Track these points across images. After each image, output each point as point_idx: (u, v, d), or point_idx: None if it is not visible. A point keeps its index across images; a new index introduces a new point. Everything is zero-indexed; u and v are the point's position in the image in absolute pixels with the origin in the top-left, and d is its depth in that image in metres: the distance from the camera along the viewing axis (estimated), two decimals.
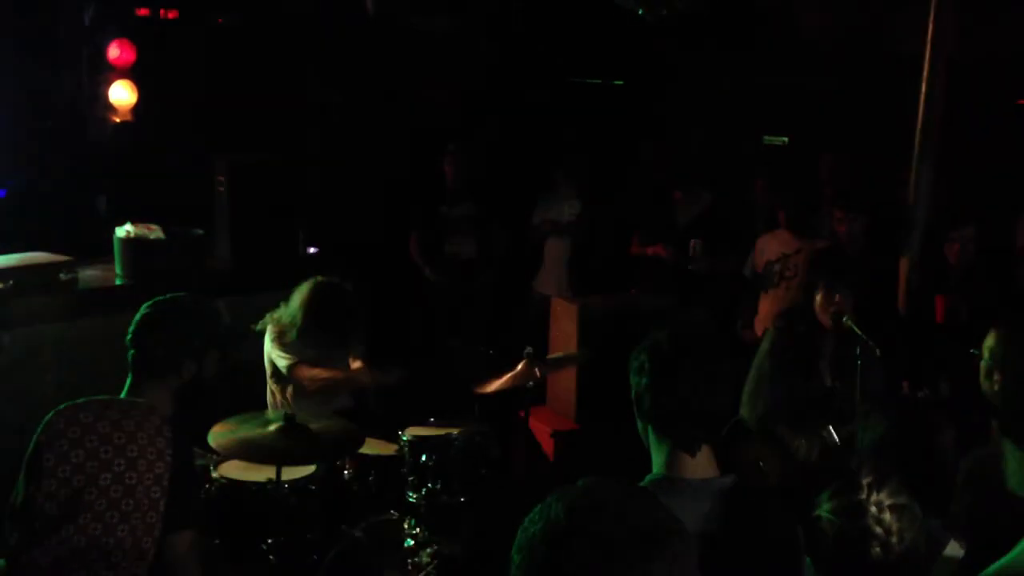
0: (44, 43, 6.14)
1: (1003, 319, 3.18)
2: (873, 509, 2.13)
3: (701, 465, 2.23)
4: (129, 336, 3.05)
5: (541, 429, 5.79)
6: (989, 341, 3.12)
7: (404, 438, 4.24)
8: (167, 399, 2.97)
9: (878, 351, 4.16)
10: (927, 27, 5.14)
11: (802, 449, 4.33)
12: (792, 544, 2.22)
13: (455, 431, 4.29)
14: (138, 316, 3.11)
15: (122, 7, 6.50)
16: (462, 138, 7.16)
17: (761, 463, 4.37)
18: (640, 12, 4.64)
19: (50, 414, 2.08)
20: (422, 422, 4.49)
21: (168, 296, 3.20)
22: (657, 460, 2.28)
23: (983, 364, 3.13)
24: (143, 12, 6.64)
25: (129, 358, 3.02)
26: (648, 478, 2.27)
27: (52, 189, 6.17)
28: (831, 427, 4.38)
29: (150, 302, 3.15)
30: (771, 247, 5.91)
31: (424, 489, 4.08)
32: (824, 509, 2.26)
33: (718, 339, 2.36)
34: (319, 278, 4.62)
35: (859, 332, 4.20)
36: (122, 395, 3.00)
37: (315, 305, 4.51)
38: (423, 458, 4.13)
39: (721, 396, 2.26)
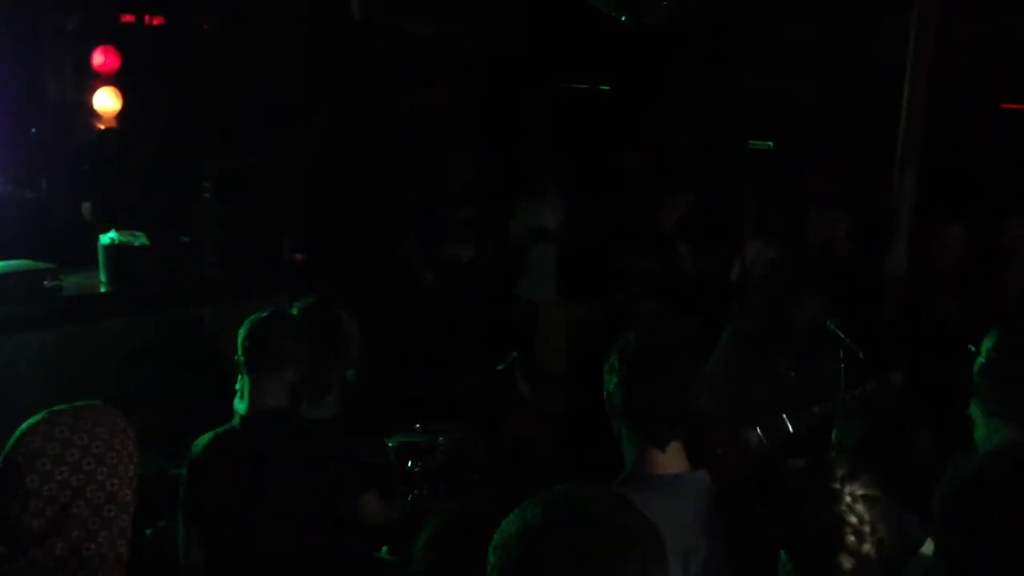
0: (28, 50, 6.12)
1: (1004, 321, 3.19)
2: (847, 498, 2.14)
3: (671, 460, 2.27)
4: (264, 333, 3.26)
5: (528, 433, 5.79)
6: (988, 342, 3.12)
7: (390, 444, 4.23)
8: (284, 392, 3.24)
9: (861, 354, 4.18)
10: (909, 33, 5.18)
11: (754, 439, 4.37)
12: (762, 538, 2.24)
13: (442, 437, 4.28)
14: (269, 315, 3.34)
15: (107, 13, 6.47)
16: (451, 142, 7.16)
17: (720, 452, 4.39)
18: (623, 19, 4.65)
19: (20, 432, 2.07)
20: (408, 428, 4.49)
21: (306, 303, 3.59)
22: (629, 457, 2.31)
23: (978, 363, 3.14)
24: (128, 18, 6.61)
25: (249, 355, 3.23)
26: (621, 476, 2.31)
27: (36, 196, 6.14)
28: (785, 416, 4.42)
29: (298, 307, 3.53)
30: (759, 252, 5.94)
31: (410, 495, 4.07)
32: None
33: (691, 339, 2.39)
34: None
35: (843, 336, 4.22)
36: (245, 393, 3.25)
37: None
38: (409, 464, 4.13)
39: (690, 394, 2.30)
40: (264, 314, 3.36)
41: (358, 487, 3.33)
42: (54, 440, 2.04)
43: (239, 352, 3.28)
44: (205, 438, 3.24)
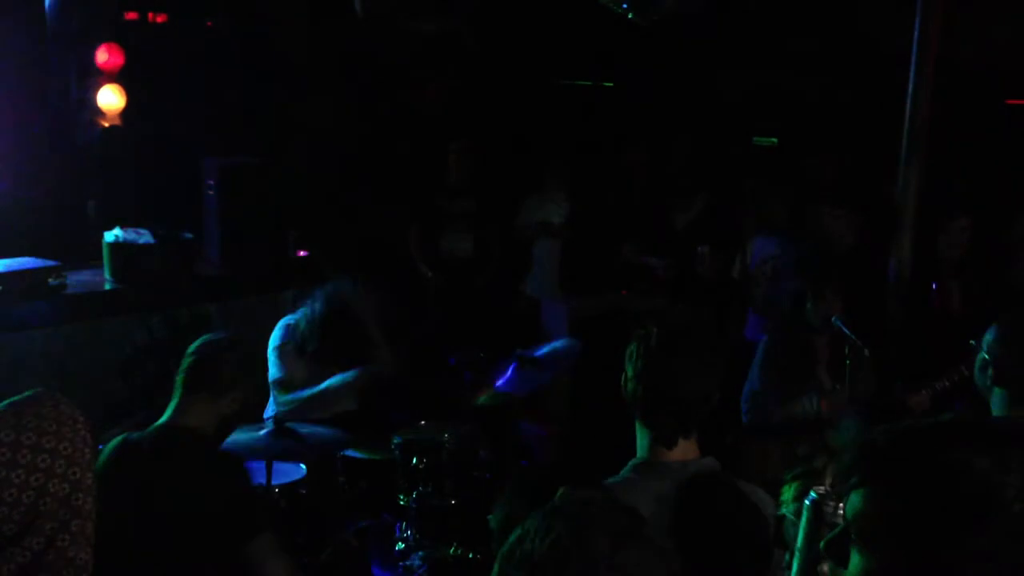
0: (32, 47, 6.12)
1: (1004, 314, 3.16)
2: (831, 502, 2.13)
3: (681, 448, 2.30)
4: (212, 355, 3.19)
5: (533, 430, 5.78)
6: (988, 336, 3.10)
7: (395, 440, 4.24)
8: (211, 417, 3.14)
9: (867, 351, 4.17)
10: (913, 28, 5.16)
11: (803, 452, 4.31)
12: (757, 527, 2.24)
13: (446, 434, 4.29)
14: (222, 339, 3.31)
15: (110, 11, 6.47)
16: (457, 137, 7.15)
17: (763, 466, 4.36)
18: (630, 16, 4.64)
19: None
20: (413, 424, 4.49)
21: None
22: (641, 443, 2.34)
23: (979, 358, 3.11)
24: (131, 16, 6.61)
25: (188, 373, 3.16)
26: (631, 462, 2.34)
27: (41, 194, 6.14)
28: (829, 430, 4.37)
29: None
30: (761, 248, 5.93)
31: (415, 492, 4.07)
32: (789, 509, 2.28)
33: (705, 333, 2.39)
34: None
35: (848, 333, 4.21)
36: (169, 409, 3.15)
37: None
38: (414, 461, 4.13)
39: (704, 388, 2.30)
40: (217, 337, 3.31)
41: (250, 527, 3.01)
42: (2, 445, 2.03)
43: (181, 368, 3.18)
44: (116, 440, 3.09)
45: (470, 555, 3.80)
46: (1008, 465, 1.33)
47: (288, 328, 4.70)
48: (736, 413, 4.72)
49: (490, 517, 2.29)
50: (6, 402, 2.10)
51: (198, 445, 3.10)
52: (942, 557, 1.34)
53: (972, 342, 3.15)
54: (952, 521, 1.34)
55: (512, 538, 1.39)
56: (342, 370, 4.58)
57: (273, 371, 4.57)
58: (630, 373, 2.32)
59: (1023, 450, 1.35)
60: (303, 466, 4.12)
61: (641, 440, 2.34)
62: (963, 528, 1.33)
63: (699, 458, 2.31)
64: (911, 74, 5.16)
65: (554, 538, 1.35)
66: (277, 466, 3.89)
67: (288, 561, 3.08)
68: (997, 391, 3.05)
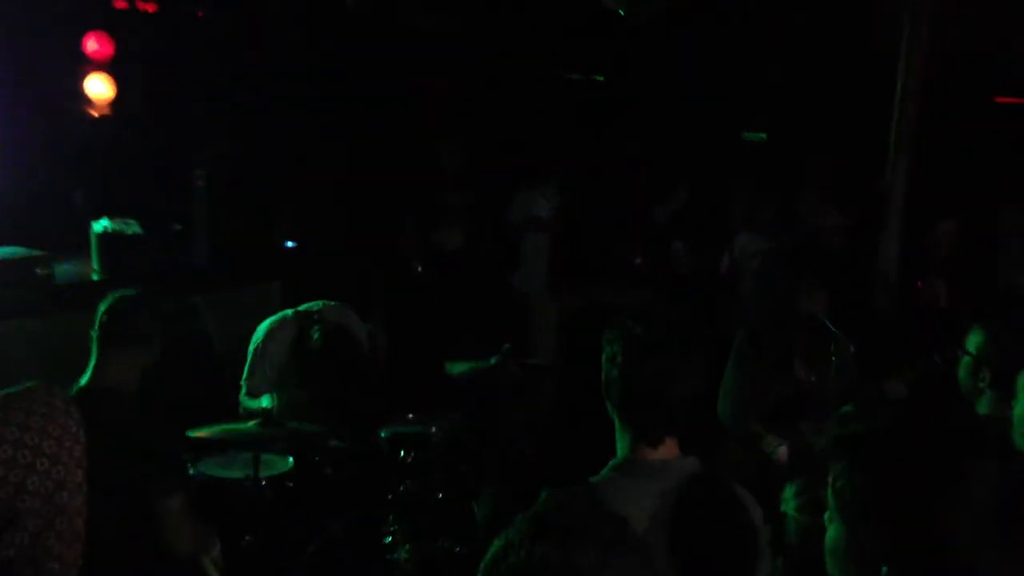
0: (20, 35, 6.08)
1: (987, 316, 3.15)
2: None
3: (663, 446, 2.26)
4: (125, 310, 3.21)
5: (520, 424, 5.79)
6: (976, 338, 3.07)
7: (383, 434, 4.24)
8: (131, 372, 3.17)
9: (852, 347, 4.18)
10: (903, 24, 5.19)
11: (775, 449, 4.32)
12: (748, 528, 2.22)
13: (434, 427, 4.29)
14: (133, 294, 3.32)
15: None
16: (447, 131, 7.15)
17: (737, 464, 4.36)
18: (621, 12, 4.65)
19: None
20: (401, 418, 4.49)
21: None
22: (621, 443, 2.31)
23: (966, 362, 3.09)
24: (121, 4, 6.58)
25: (105, 330, 3.18)
26: (612, 462, 2.29)
27: (28, 183, 6.12)
28: (806, 424, 4.38)
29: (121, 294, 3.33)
30: (749, 243, 5.95)
31: (402, 485, 4.08)
32: (790, 506, 2.28)
33: (690, 330, 2.36)
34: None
35: (833, 328, 4.22)
36: (88, 369, 3.17)
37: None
38: (402, 454, 4.14)
39: (690, 387, 2.28)
40: (128, 293, 3.30)
41: (163, 486, 3.01)
42: None
43: (95, 327, 3.20)
44: None
45: (456, 548, 3.81)
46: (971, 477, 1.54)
47: (271, 334, 4.50)
48: (713, 408, 4.71)
49: (475, 504, 2.27)
50: (1, 392, 2.10)
51: (120, 404, 3.08)
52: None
53: (961, 354, 3.12)
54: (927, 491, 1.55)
55: (495, 548, 1.37)
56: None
57: (246, 371, 4.50)
58: (614, 373, 2.26)
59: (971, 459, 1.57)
60: (290, 458, 4.12)
61: (622, 439, 2.30)
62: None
63: (681, 457, 2.27)
64: (900, 71, 5.19)
65: (541, 552, 1.33)
66: (265, 458, 3.89)
67: (196, 528, 3.10)
68: (989, 392, 3.02)
